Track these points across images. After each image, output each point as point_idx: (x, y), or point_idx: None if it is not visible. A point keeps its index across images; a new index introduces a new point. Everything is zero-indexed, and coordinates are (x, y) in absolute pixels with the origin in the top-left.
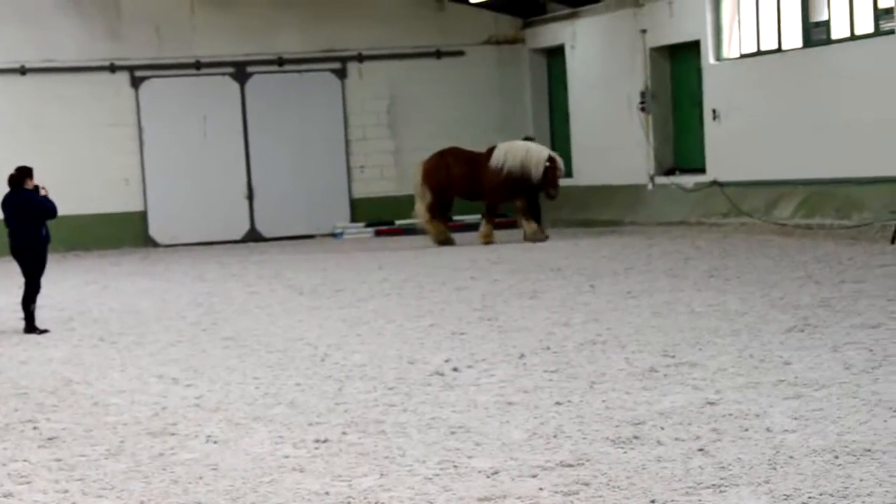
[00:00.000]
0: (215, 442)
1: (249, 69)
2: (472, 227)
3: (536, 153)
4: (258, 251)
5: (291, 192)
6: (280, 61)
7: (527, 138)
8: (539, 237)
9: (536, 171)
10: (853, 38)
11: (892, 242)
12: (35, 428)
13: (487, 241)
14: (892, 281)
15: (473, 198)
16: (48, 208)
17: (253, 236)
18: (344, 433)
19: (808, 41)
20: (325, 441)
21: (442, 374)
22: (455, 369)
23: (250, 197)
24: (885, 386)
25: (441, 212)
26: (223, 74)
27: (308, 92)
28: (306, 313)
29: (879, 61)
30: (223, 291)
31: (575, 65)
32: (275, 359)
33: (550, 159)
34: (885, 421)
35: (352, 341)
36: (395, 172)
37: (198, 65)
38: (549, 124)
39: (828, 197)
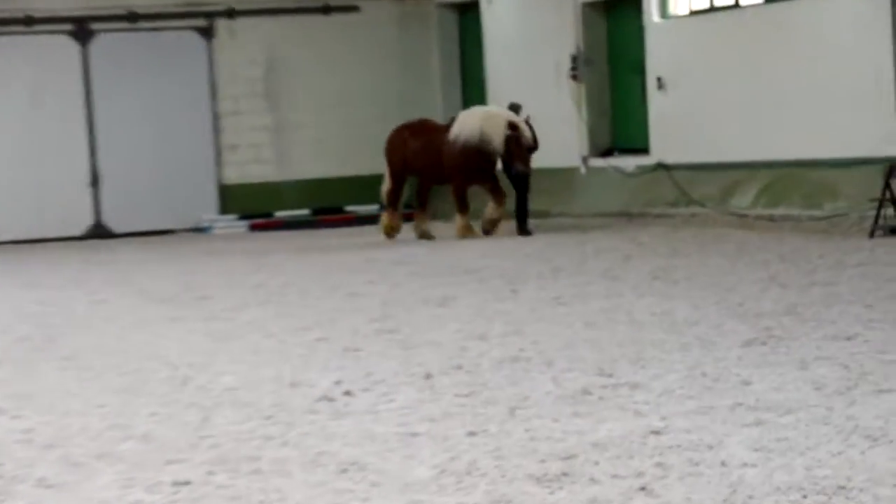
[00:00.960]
0: (49, 486)
1: (93, 26)
2: (369, 219)
3: (497, 119)
4: (105, 250)
5: (146, 177)
6: (131, 17)
7: (512, 106)
8: (489, 228)
9: (497, 142)
10: None
11: (871, 236)
12: None
13: (466, 234)
14: (871, 283)
15: (435, 179)
16: None
17: (98, 232)
18: (210, 473)
19: None
20: (186, 483)
21: (331, 400)
22: (347, 393)
23: (95, 183)
24: (862, 410)
25: (394, 198)
26: (60, 32)
27: (167, 55)
28: (164, 326)
29: (857, 20)
30: (61, 300)
31: (492, 23)
32: (125, 382)
33: (512, 127)
34: (863, 452)
35: (220, 360)
36: (273, 153)
37: (28, 20)
38: (460, 95)
39: (795, 182)
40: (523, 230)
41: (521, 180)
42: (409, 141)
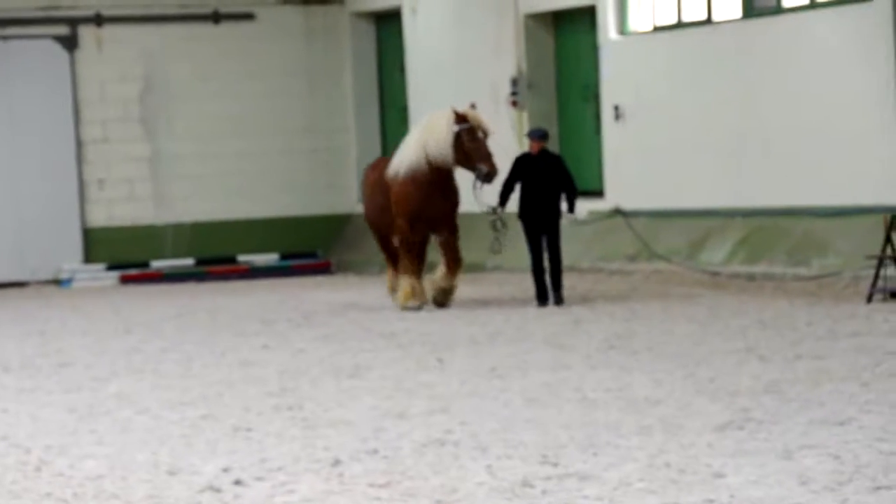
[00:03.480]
0: None
1: None
2: (266, 272)
3: (437, 117)
4: None
5: None
6: None
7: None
8: (439, 299)
9: (444, 146)
10: (813, 5)
11: (869, 301)
12: None
13: (410, 300)
14: (868, 357)
15: (386, 229)
16: None
17: None
18: None
19: (750, 9)
20: None
21: (218, 490)
22: (238, 482)
23: None
24: None
25: (391, 259)
26: None
27: (19, 69)
28: (13, 399)
29: (854, 38)
30: None
31: (416, 37)
32: None
33: (460, 119)
34: None
35: (83, 441)
36: (150, 189)
37: None
38: (379, 122)
39: (778, 234)
40: (557, 297)
41: (547, 224)
42: (369, 179)
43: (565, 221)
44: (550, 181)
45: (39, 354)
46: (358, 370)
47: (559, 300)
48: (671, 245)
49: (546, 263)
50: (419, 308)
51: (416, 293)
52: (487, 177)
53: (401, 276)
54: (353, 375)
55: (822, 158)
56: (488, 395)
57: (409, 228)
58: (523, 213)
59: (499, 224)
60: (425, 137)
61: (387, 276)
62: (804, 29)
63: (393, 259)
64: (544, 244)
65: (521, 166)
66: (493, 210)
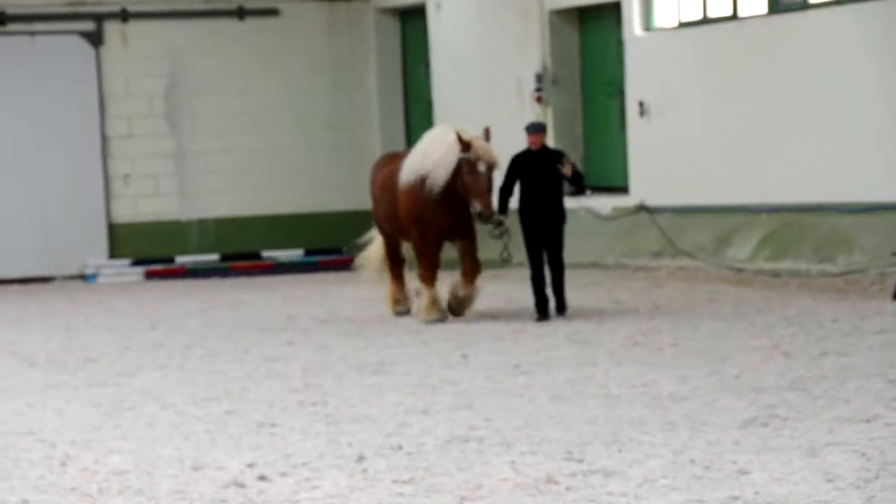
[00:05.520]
0: None
1: None
2: (290, 267)
3: (441, 137)
4: None
5: (19, 212)
6: (2, 18)
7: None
8: (455, 307)
9: (443, 173)
10: (839, 1)
11: (895, 298)
12: None
13: (431, 314)
14: (894, 354)
15: (397, 231)
16: None
17: None
18: None
19: (776, 5)
20: None
21: (242, 486)
22: (262, 478)
23: None
24: None
25: (391, 255)
26: None
27: (45, 65)
28: (39, 394)
29: (884, 34)
30: None
31: (441, 33)
32: None
33: (464, 146)
34: None
35: (108, 436)
36: (175, 185)
37: None
38: (403, 118)
39: (803, 231)
40: (560, 308)
41: (548, 227)
42: (376, 179)
43: (579, 210)
44: (552, 179)
45: (65, 350)
46: (382, 366)
47: (561, 308)
48: (696, 241)
49: (546, 271)
50: (442, 320)
51: (436, 305)
52: (480, 217)
53: (420, 286)
54: (377, 371)
55: (848, 155)
56: (513, 392)
57: (420, 235)
58: (523, 216)
59: (503, 233)
60: (428, 156)
61: (388, 289)
62: (830, 25)
63: (396, 269)
64: (545, 250)
65: (520, 165)
66: (495, 222)
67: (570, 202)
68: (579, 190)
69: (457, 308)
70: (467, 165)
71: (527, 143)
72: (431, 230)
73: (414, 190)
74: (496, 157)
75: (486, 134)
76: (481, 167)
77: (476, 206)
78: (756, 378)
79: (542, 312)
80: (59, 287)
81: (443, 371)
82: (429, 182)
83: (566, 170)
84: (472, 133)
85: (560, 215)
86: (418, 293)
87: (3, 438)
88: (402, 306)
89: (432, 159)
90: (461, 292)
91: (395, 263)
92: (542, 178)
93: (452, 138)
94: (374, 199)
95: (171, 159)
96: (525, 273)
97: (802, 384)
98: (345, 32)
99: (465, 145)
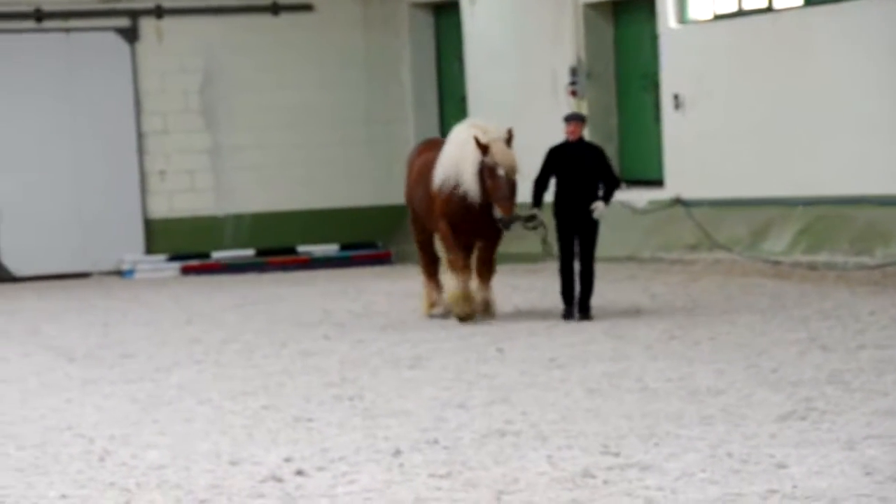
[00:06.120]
0: None
1: None
2: (325, 262)
3: (464, 137)
4: (5, 296)
5: (55, 209)
6: (38, 15)
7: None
8: (476, 308)
9: (470, 179)
10: None
11: None
12: None
13: (461, 307)
14: None
15: (429, 223)
16: None
17: None
18: None
19: None
20: None
21: (280, 480)
22: (299, 472)
23: None
24: None
25: (426, 251)
26: None
27: (81, 61)
28: (77, 390)
29: None
30: None
31: (475, 27)
32: (28, 458)
33: (482, 149)
34: None
35: (146, 431)
36: (210, 181)
37: None
38: (437, 112)
39: (841, 223)
40: (584, 311)
41: (583, 223)
42: (414, 163)
43: (595, 207)
44: (589, 173)
45: (102, 345)
46: (418, 360)
47: (586, 315)
48: (732, 235)
49: (576, 269)
50: (470, 318)
51: (467, 300)
52: (500, 222)
53: (449, 273)
54: (413, 366)
55: (885, 146)
56: (549, 386)
57: (450, 232)
58: (557, 209)
59: (536, 226)
60: (455, 160)
61: (423, 291)
62: (865, 17)
63: (430, 267)
64: (577, 245)
65: (557, 157)
66: (528, 218)
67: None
68: (605, 199)
69: (477, 308)
70: (487, 170)
71: (565, 134)
72: (461, 230)
73: (445, 190)
74: (514, 161)
75: (509, 136)
76: (500, 172)
77: (497, 212)
78: (793, 371)
79: (568, 312)
80: (96, 283)
81: (479, 365)
82: (461, 188)
83: (599, 212)
84: (494, 131)
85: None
86: (430, 304)
87: (42, 434)
88: (437, 309)
89: (459, 164)
90: (477, 297)
91: (429, 261)
92: (579, 170)
93: (473, 143)
94: (409, 184)
95: (207, 155)
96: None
97: (840, 377)
98: (379, 27)
99: (484, 149)
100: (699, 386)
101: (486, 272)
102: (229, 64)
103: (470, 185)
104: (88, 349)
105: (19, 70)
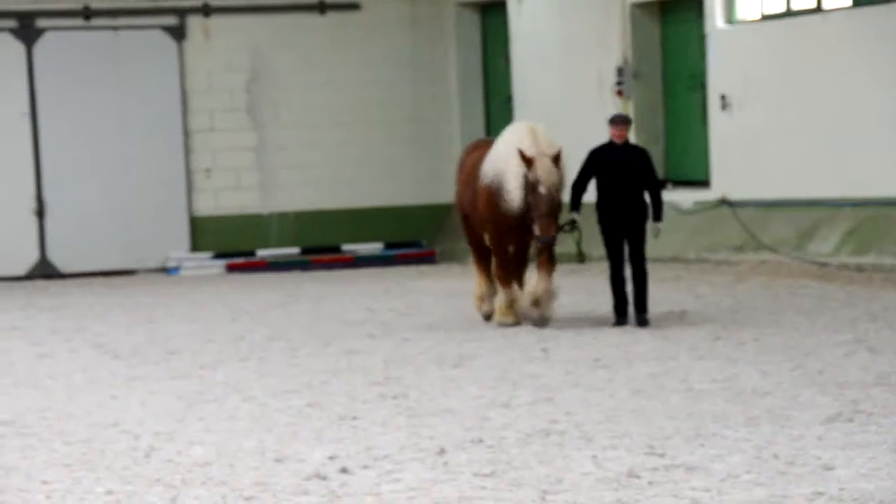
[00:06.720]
0: None
1: (40, 23)
2: (370, 261)
3: (508, 145)
4: (52, 293)
5: (102, 206)
6: (86, 13)
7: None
8: (532, 308)
9: (511, 190)
10: None
11: None
12: None
13: (506, 317)
14: None
15: (480, 227)
16: None
17: (44, 271)
18: None
19: None
20: None
21: (324, 478)
22: (344, 470)
23: (40, 213)
24: None
25: (477, 248)
26: (2, 30)
27: (128, 59)
28: (123, 386)
29: None
30: None
31: (522, 27)
32: (75, 453)
33: (527, 162)
34: None
35: (191, 428)
36: (256, 179)
37: None
38: (483, 112)
39: (887, 225)
40: (641, 318)
41: (630, 227)
42: (465, 164)
43: (651, 231)
44: (635, 176)
45: (148, 342)
46: (462, 360)
47: (643, 321)
48: (778, 236)
49: (628, 275)
50: (516, 324)
51: (511, 309)
52: (537, 239)
53: (498, 287)
54: (457, 365)
55: None
56: (593, 386)
57: (497, 235)
58: (602, 214)
59: (572, 229)
60: (502, 168)
61: (476, 283)
62: None
63: (481, 262)
64: (626, 252)
65: (599, 159)
66: (568, 225)
67: (649, 196)
68: (656, 217)
69: (534, 308)
70: (529, 185)
71: (610, 136)
72: (507, 234)
73: (493, 195)
74: (557, 181)
75: (557, 155)
76: (542, 189)
77: (535, 229)
78: (840, 373)
79: (620, 316)
80: (141, 280)
81: (523, 365)
82: (507, 197)
83: (657, 233)
84: (544, 142)
85: (642, 212)
86: (480, 297)
87: (89, 430)
88: (488, 305)
89: (504, 171)
90: (538, 288)
91: (480, 257)
92: (624, 173)
93: (516, 151)
94: (459, 184)
95: (252, 153)
96: (604, 266)
97: (887, 379)
98: (425, 26)
99: (529, 162)
100: (744, 387)
101: (544, 266)
102: (276, 62)
103: (514, 194)
104: (134, 346)
105: (67, 68)
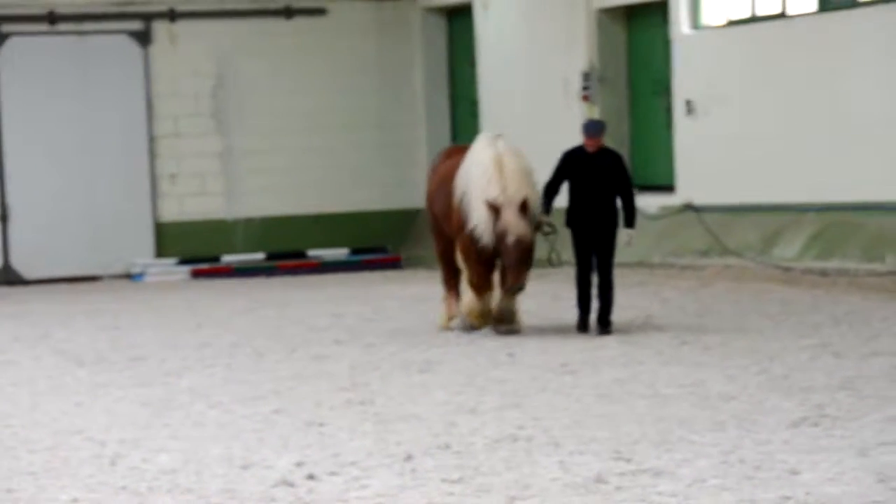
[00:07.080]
0: None
1: (5, 28)
2: (336, 267)
3: (482, 167)
4: (14, 299)
5: (66, 212)
6: (51, 17)
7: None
8: (498, 320)
9: (485, 226)
10: None
11: None
12: None
13: (476, 320)
14: None
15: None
16: None
17: (7, 277)
18: None
19: (826, 2)
20: None
21: (291, 485)
22: (311, 477)
23: (4, 218)
24: None
25: (446, 262)
26: None
27: (94, 64)
28: (88, 393)
29: None
30: None
31: (488, 32)
32: (39, 461)
33: (494, 211)
34: None
35: (157, 435)
36: (221, 185)
37: None
38: (449, 117)
39: (852, 230)
40: (603, 325)
41: (599, 234)
42: (438, 170)
43: (623, 238)
44: (608, 182)
45: (113, 349)
46: (429, 365)
47: (605, 329)
48: (743, 240)
49: (594, 281)
50: (475, 329)
51: (484, 312)
52: (505, 287)
53: (469, 294)
54: (424, 370)
55: None
56: (560, 391)
57: (470, 243)
58: (572, 220)
59: (549, 232)
60: (468, 187)
61: (446, 304)
62: (880, 22)
63: (451, 280)
64: (594, 259)
65: (571, 163)
66: (546, 227)
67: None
68: (628, 223)
69: (499, 319)
70: (497, 234)
71: (584, 144)
72: (480, 247)
73: (465, 214)
74: (524, 232)
75: (524, 205)
76: (509, 239)
77: (507, 280)
78: (805, 377)
79: (583, 324)
80: (106, 286)
81: (490, 370)
82: (473, 227)
83: (629, 240)
84: (512, 187)
85: (612, 220)
86: (449, 317)
87: (53, 437)
88: (455, 322)
89: (471, 200)
90: (501, 304)
91: (450, 274)
92: (595, 179)
93: (480, 183)
94: (431, 191)
95: (218, 158)
96: (573, 272)
97: (852, 384)
98: (391, 32)
99: (495, 212)
100: (711, 391)
101: (516, 272)
102: (242, 68)
103: (482, 225)
104: (99, 353)
105: (32, 73)
